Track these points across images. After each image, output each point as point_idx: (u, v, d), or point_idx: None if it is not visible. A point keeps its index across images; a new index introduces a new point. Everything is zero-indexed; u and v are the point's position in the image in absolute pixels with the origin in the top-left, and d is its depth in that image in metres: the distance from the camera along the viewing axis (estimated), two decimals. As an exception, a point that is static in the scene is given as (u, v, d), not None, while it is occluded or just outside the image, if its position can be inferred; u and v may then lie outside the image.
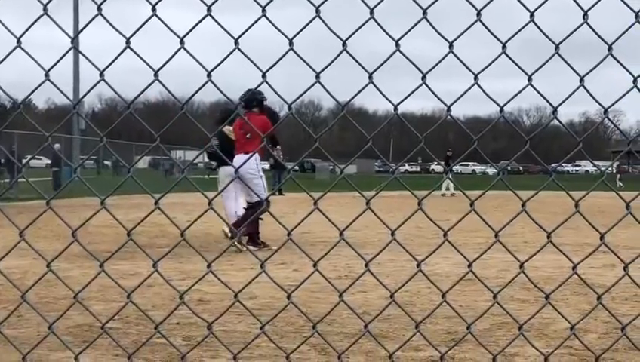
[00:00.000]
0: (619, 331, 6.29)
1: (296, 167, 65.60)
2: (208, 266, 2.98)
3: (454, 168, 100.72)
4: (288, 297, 3.04)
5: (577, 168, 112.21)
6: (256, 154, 11.85)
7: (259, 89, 11.75)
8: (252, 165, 12.13)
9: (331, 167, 76.15)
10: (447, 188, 33.69)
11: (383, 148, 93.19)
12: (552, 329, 6.31)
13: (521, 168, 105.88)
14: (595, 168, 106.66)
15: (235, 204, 12.61)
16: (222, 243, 12.51)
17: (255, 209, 11.75)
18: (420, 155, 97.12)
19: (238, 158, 11.91)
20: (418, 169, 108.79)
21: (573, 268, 3.23)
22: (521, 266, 3.17)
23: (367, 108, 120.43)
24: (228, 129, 12.81)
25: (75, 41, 2.76)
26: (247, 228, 12.03)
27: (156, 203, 2.82)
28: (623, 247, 11.83)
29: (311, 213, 2.91)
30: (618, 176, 46.46)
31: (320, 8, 2.65)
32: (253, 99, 12.15)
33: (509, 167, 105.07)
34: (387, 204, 22.56)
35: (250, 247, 11.90)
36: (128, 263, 9.90)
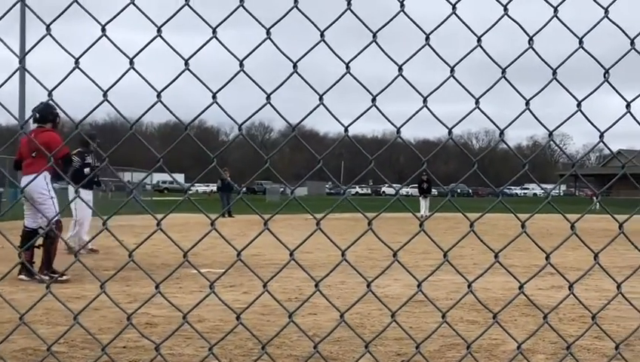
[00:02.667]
0: (566, 352, 6.34)
1: (245, 189, 65.33)
2: (156, 287, 2.93)
3: (405, 191, 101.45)
4: (238, 318, 3.00)
5: (525, 191, 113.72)
6: (46, 173, 10.59)
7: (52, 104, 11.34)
8: (41, 186, 10.63)
9: (282, 189, 76.07)
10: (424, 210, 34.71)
11: (334, 170, 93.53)
12: (501, 350, 6.35)
13: (470, 191, 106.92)
14: (543, 191, 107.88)
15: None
16: (170, 265, 12.37)
17: (51, 237, 10.46)
18: (371, 177, 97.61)
19: (25, 179, 10.72)
20: (369, 191, 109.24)
21: (520, 287, 3.26)
22: (469, 286, 3.19)
23: (318, 130, 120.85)
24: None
25: (22, 61, 2.71)
26: (25, 255, 10.22)
27: (104, 223, 2.78)
28: (570, 268, 12.00)
29: (260, 233, 2.89)
30: (595, 199, 47.44)
31: (271, 30, 2.64)
32: (49, 114, 10.88)
33: (458, 190, 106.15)
34: (338, 226, 22.56)
35: (23, 277, 10.44)
36: (74, 286, 9.73)
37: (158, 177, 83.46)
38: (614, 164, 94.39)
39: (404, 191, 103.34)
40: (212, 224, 2.85)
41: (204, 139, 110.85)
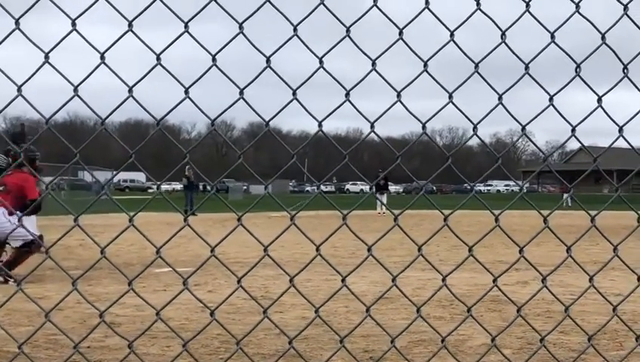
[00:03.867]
0: (532, 347, 6.39)
1: (208, 188, 65.15)
2: (129, 284, 2.88)
3: (368, 188, 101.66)
4: (212, 314, 2.97)
5: (489, 188, 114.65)
6: (3, 209, 10.55)
7: (31, 146, 11.19)
8: (2, 223, 10.62)
9: (245, 187, 75.82)
10: (381, 208, 34.86)
11: (296, 169, 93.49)
12: (468, 346, 6.36)
13: (434, 188, 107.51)
14: (507, 187, 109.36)
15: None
16: (133, 264, 12.24)
17: (31, 247, 10.42)
18: (336, 175, 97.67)
19: None
20: (333, 189, 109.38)
21: (494, 280, 3.25)
22: (443, 280, 3.18)
23: (281, 128, 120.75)
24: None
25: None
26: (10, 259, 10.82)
27: (76, 220, 2.72)
28: (537, 264, 12.06)
29: (234, 229, 2.84)
30: (565, 194, 47.94)
31: (244, 25, 2.60)
32: (25, 157, 11.11)
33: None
34: (302, 224, 22.34)
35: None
36: (36, 286, 9.59)
37: (118, 176, 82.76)
38: (577, 160, 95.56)
39: (367, 188, 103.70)
40: (185, 220, 2.81)
41: (165, 138, 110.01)
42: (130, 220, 2.81)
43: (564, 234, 3.22)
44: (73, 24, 2.41)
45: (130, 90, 2.49)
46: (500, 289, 3.33)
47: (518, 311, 3.39)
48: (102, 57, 2.43)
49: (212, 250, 2.81)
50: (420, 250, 3.06)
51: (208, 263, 3.06)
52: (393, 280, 3.09)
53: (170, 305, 3.80)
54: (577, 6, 2.93)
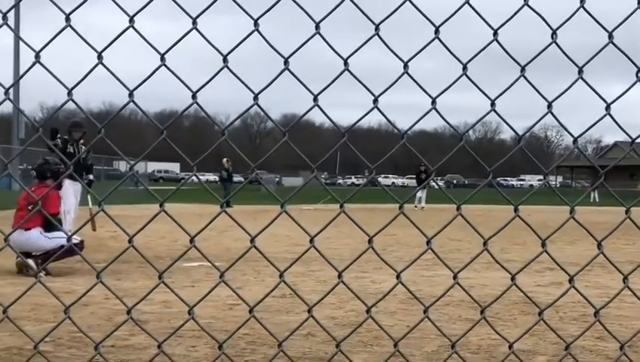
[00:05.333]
0: (565, 352, 6.16)
1: (242, 178, 65.19)
2: (160, 277, 2.77)
3: (401, 181, 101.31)
4: (250, 311, 2.85)
5: (522, 182, 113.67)
6: (40, 228, 10.46)
7: (53, 159, 11.37)
8: (41, 239, 10.49)
9: (277, 179, 75.80)
10: (420, 202, 34.62)
11: (329, 161, 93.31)
12: (501, 352, 6.16)
13: (466, 181, 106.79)
14: (539, 182, 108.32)
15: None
16: (162, 258, 12.15)
17: (71, 247, 10.60)
18: (367, 168, 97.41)
19: (19, 233, 10.08)
20: (365, 181, 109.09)
21: (512, 279, 3.08)
22: (454, 278, 3.04)
23: (314, 121, 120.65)
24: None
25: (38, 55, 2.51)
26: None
27: (100, 204, 2.62)
28: (569, 264, 11.77)
29: (277, 217, 2.74)
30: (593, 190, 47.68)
31: (265, 18, 2.45)
32: (47, 170, 11.07)
33: (454, 181, 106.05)
34: (330, 217, 22.14)
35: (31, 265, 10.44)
36: (64, 280, 9.53)
37: (152, 166, 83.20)
38: (611, 155, 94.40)
39: (400, 181, 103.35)
40: (222, 206, 2.72)
41: (199, 129, 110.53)
42: (161, 205, 2.70)
43: (598, 231, 3.03)
44: (67, 19, 2.27)
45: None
46: (518, 288, 3.14)
47: (539, 314, 3.20)
48: (99, 57, 2.29)
49: (252, 241, 2.72)
50: (428, 243, 2.93)
51: (232, 257, 2.93)
52: (397, 277, 2.96)
53: (195, 303, 3.67)
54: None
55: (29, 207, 10.62)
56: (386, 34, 2.57)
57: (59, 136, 13.97)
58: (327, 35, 2.48)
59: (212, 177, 52.99)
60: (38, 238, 10.40)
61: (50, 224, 10.41)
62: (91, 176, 15.33)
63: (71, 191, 13.74)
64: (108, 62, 2.35)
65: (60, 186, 11.48)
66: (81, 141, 14.28)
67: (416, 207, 34.34)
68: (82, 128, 14.35)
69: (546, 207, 30.95)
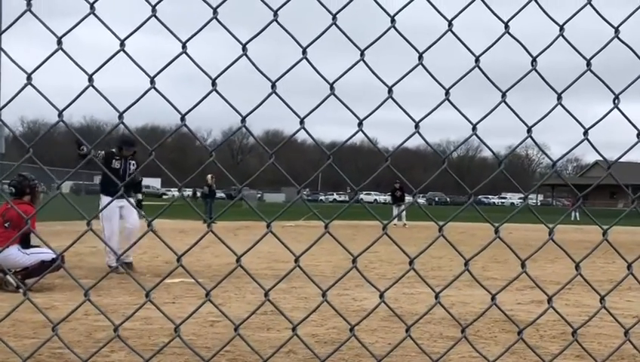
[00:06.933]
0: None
1: (223, 195, 65.01)
2: (147, 295, 2.78)
3: (383, 198, 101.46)
4: (236, 329, 2.85)
5: (503, 200, 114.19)
6: (17, 246, 10.41)
7: (30, 175, 11.14)
8: (18, 255, 10.46)
9: (259, 195, 75.75)
10: (400, 219, 34.48)
11: (312, 177, 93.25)
12: (482, 369, 6.17)
13: (448, 199, 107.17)
14: (521, 200, 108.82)
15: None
16: (143, 274, 12.06)
17: (52, 263, 10.01)
18: (349, 184, 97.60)
19: None
20: (347, 198, 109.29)
21: (492, 298, 3.10)
22: (436, 297, 3.06)
23: (297, 137, 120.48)
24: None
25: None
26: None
27: (88, 223, 2.62)
28: (550, 282, 11.85)
29: (263, 236, 2.74)
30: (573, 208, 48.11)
31: (263, 35, 2.46)
32: (27, 186, 10.96)
33: (436, 198, 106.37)
34: (315, 235, 22.18)
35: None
36: (44, 296, 9.47)
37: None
38: (591, 174, 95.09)
39: (381, 198, 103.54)
40: (208, 226, 2.74)
41: (183, 144, 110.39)
42: (149, 225, 2.72)
43: (579, 250, 3.06)
44: (59, 42, 2.28)
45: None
46: (497, 307, 3.16)
47: (519, 333, 3.23)
48: (90, 80, 2.29)
49: (238, 260, 2.73)
50: (411, 263, 2.95)
51: (214, 274, 2.92)
52: (381, 296, 2.97)
53: (178, 319, 3.66)
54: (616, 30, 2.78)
55: (5, 225, 10.54)
56: (376, 50, 2.60)
57: (83, 147, 12.98)
58: (316, 53, 2.50)
59: (188, 192, 52.67)
60: (16, 255, 10.34)
61: (28, 240, 10.39)
62: (140, 196, 14.95)
63: (116, 211, 13.11)
64: (95, 77, 2.35)
65: (34, 201, 11.21)
66: (132, 161, 13.85)
67: (395, 225, 34.22)
68: (134, 147, 13.89)
69: (528, 225, 31.08)
